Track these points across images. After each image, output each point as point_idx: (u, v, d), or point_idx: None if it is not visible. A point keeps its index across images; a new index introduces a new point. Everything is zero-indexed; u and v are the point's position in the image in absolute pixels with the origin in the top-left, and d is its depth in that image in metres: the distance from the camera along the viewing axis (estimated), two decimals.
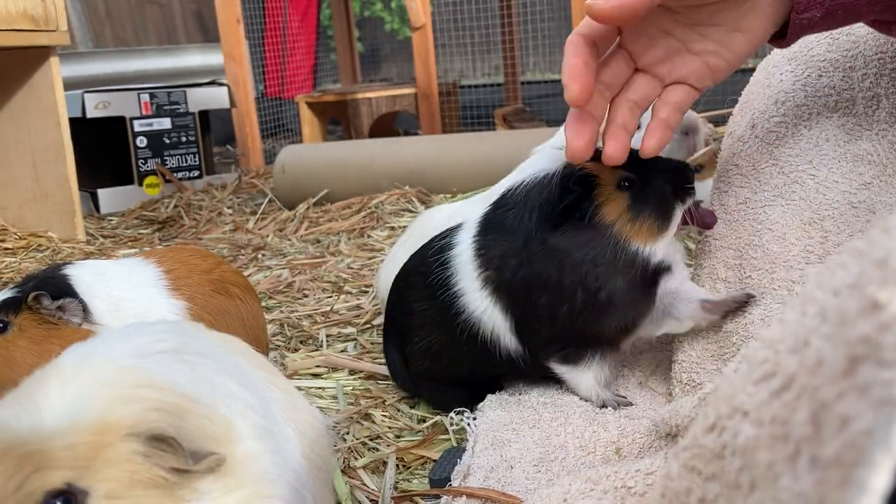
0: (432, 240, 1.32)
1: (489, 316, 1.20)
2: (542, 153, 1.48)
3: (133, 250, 2.67)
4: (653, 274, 1.15)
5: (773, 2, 0.93)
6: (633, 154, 1.14)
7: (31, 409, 0.59)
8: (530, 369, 1.24)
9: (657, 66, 1.01)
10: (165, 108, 3.63)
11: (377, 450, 1.19)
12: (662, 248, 1.15)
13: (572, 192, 1.12)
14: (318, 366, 1.53)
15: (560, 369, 1.23)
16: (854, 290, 0.37)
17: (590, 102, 0.98)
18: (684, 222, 1.18)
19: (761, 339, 0.45)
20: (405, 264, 1.36)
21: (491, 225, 1.21)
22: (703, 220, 1.19)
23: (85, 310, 1.18)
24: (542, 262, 1.14)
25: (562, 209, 1.13)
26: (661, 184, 1.16)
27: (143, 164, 3.58)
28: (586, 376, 1.21)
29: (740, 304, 1.13)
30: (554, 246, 1.13)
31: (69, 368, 0.64)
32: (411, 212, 2.78)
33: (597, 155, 1.13)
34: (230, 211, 3.17)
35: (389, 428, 1.27)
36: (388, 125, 5.04)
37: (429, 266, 1.26)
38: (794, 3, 0.92)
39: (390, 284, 1.41)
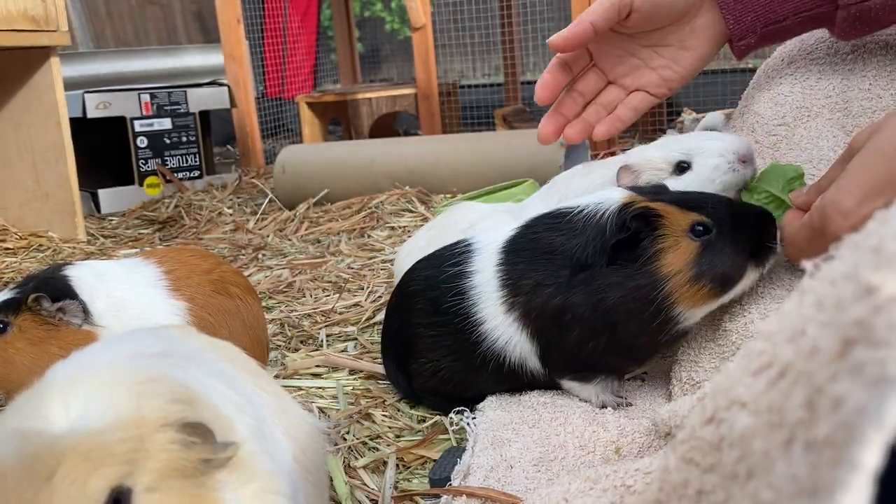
0: (442, 263, 1.26)
1: (515, 343, 1.17)
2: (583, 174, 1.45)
3: (133, 250, 2.67)
4: (676, 335, 1.11)
5: (709, 26, 1.18)
6: (709, 196, 1.07)
7: (57, 412, 0.59)
8: (545, 384, 1.25)
9: (622, 78, 1.26)
10: (166, 108, 3.63)
11: (377, 449, 1.20)
12: (704, 314, 1.09)
13: (628, 229, 1.05)
14: (318, 365, 1.53)
15: (570, 385, 1.22)
16: (849, 277, 0.38)
17: (562, 106, 1.26)
18: None
19: (759, 332, 0.46)
20: (408, 282, 1.32)
21: (523, 249, 1.16)
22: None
23: (85, 311, 1.18)
24: (581, 296, 1.09)
25: (612, 246, 1.05)
26: (741, 238, 1.04)
27: (144, 165, 3.58)
28: (594, 389, 1.21)
29: None
30: (597, 282, 1.07)
31: (72, 374, 0.64)
32: (411, 212, 2.78)
33: (664, 195, 1.08)
34: (230, 211, 3.18)
35: (389, 428, 1.27)
36: (388, 125, 5.05)
37: (442, 293, 1.22)
38: (731, 33, 1.16)
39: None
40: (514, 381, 1.23)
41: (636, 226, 1.04)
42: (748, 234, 1.05)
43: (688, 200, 1.07)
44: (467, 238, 1.29)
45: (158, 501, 0.57)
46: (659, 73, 1.23)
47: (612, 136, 1.29)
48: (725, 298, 1.07)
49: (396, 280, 1.64)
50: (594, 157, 3.51)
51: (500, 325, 1.17)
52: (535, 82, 1.26)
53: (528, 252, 1.15)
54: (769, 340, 0.44)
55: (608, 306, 1.07)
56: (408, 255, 1.63)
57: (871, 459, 0.30)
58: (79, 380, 0.62)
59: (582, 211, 1.12)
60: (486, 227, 1.46)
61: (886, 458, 0.30)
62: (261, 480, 0.65)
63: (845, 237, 0.42)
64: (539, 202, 1.52)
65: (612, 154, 3.68)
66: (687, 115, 3.62)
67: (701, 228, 1.04)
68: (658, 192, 1.12)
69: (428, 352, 1.25)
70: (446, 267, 1.25)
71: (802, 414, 0.37)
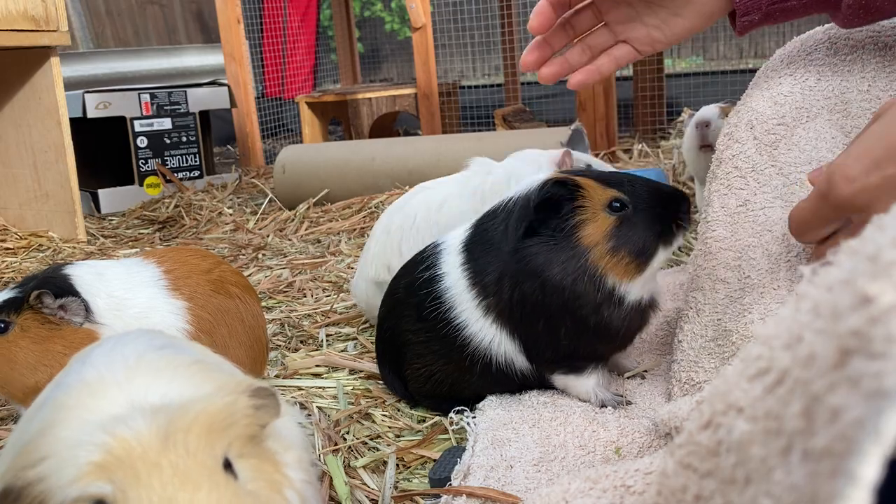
0: (416, 269, 1.28)
1: (499, 343, 1.18)
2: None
3: (134, 250, 2.67)
4: (636, 310, 1.14)
5: (708, 1, 1.17)
6: (629, 176, 1.13)
7: (146, 396, 0.60)
8: (539, 383, 1.25)
9: (616, 25, 1.24)
10: (166, 108, 3.63)
11: (377, 449, 1.20)
12: (640, 286, 1.13)
13: (548, 193, 1.10)
14: (318, 365, 1.53)
15: (562, 381, 1.23)
16: (846, 285, 0.38)
17: (552, 37, 1.23)
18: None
19: (757, 337, 0.46)
20: (394, 290, 1.33)
21: (475, 245, 1.19)
22: None
23: (87, 309, 1.19)
24: (528, 282, 1.13)
25: (538, 211, 1.10)
26: (653, 215, 1.12)
27: (144, 164, 3.58)
28: (587, 384, 1.21)
29: None
30: (533, 260, 1.11)
31: (117, 369, 0.64)
32: None
33: (587, 173, 1.14)
34: (231, 211, 3.18)
35: (389, 427, 1.27)
36: (389, 125, 5.05)
37: (420, 299, 1.24)
38: (736, 8, 1.15)
39: (365, 292, 1.45)
40: (505, 381, 1.23)
41: (556, 192, 1.10)
42: (661, 210, 1.12)
43: (608, 178, 1.14)
44: (436, 240, 1.31)
45: (249, 467, 0.59)
46: (649, 31, 1.22)
47: (586, 87, 1.32)
48: (649, 272, 1.13)
49: (360, 307, 1.70)
50: (594, 156, 3.51)
51: (481, 327, 1.19)
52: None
53: (481, 246, 1.19)
54: (766, 345, 0.44)
55: (553, 285, 1.11)
56: (362, 281, 1.70)
57: (869, 473, 0.30)
58: (131, 371, 0.63)
59: (513, 196, 1.18)
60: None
61: (885, 470, 0.30)
62: (296, 450, 0.68)
63: (843, 244, 0.41)
64: (457, 199, 1.64)
65: (613, 153, 3.69)
66: (687, 115, 3.62)
67: (618, 204, 1.10)
68: (582, 171, 1.20)
69: (419, 357, 1.26)
70: (419, 273, 1.26)
71: (800, 423, 0.37)
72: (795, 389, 0.39)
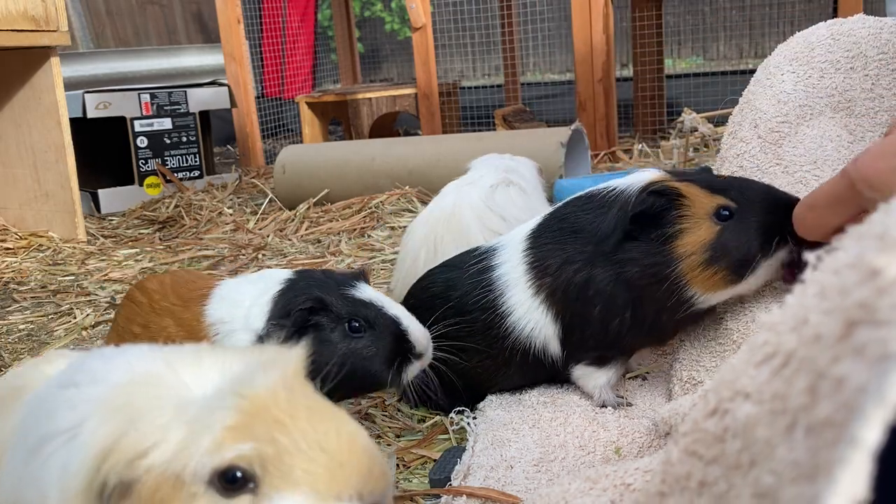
0: (464, 263, 1.27)
1: (540, 328, 1.18)
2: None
3: (134, 250, 2.67)
4: (699, 314, 1.12)
5: None
6: (739, 180, 1.07)
7: (203, 382, 0.61)
8: (561, 375, 1.25)
9: None
10: (166, 108, 3.63)
11: None
12: (722, 300, 1.09)
13: (649, 204, 1.06)
14: None
15: (581, 371, 1.22)
16: (853, 266, 0.38)
17: None
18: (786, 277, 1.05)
19: (763, 325, 0.46)
20: (426, 286, 1.32)
21: (550, 231, 1.17)
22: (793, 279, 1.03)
23: None
24: (602, 270, 1.10)
25: (632, 219, 1.07)
26: (759, 225, 1.02)
27: (144, 165, 3.58)
28: (601, 379, 1.21)
29: None
30: (618, 256, 1.09)
31: (154, 365, 0.64)
32: (411, 212, 2.78)
33: (692, 177, 1.07)
34: (231, 211, 3.17)
35: (389, 427, 1.27)
36: (389, 125, 5.05)
37: (466, 290, 1.23)
38: None
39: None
40: (537, 370, 1.23)
41: (658, 202, 1.05)
42: (771, 222, 1.02)
43: (715, 183, 1.07)
44: (485, 243, 1.30)
45: None
46: None
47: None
48: (741, 287, 1.05)
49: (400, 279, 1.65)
50: (594, 157, 3.51)
51: (526, 311, 1.18)
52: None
53: (556, 233, 1.16)
54: (773, 331, 0.44)
55: (627, 281, 1.08)
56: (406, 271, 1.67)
57: (871, 435, 0.30)
58: (174, 365, 0.62)
59: (611, 190, 1.13)
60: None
61: (887, 438, 0.30)
62: None
63: (850, 229, 0.42)
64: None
65: (613, 153, 3.69)
66: (687, 115, 3.63)
67: (726, 213, 1.03)
68: (688, 174, 1.12)
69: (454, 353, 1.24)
70: (470, 266, 1.26)
71: (805, 399, 0.37)
72: (801, 369, 0.39)
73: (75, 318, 1.97)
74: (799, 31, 1.24)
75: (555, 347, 1.20)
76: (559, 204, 1.23)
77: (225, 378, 0.61)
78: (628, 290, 1.09)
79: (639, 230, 1.07)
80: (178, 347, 0.67)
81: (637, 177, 1.13)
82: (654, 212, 1.05)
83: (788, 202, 1.00)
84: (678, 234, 1.05)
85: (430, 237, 1.64)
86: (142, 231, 3.07)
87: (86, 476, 0.56)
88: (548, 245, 1.16)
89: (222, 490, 0.56)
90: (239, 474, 0.56)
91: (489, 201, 1.67)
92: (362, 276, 1.13)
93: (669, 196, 1.05)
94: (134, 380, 0.61)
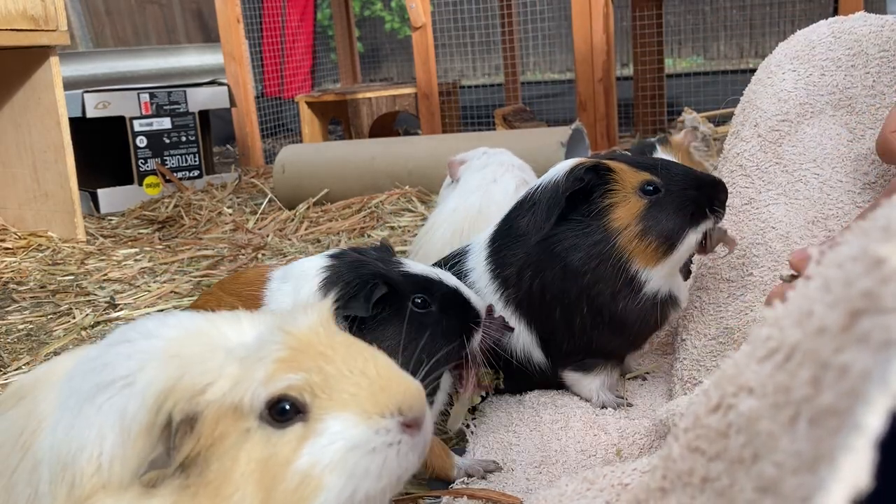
0: (445, 266, 1.27)
1: (517, 336, 1.18)
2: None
3: (133, 250, 2.67)
4: (653, 302, 1.12)
5: None
6: (664, 160, 1.11)
7: (249, 334, 0.66)
8: (554, 381, 1.24)
9: None
10: (165, 107, 3.63)
11: None
12: (662, 274, 1.11)
13: (581, 180, 1.08)
14: None
15: (571, 377, 1.22)
16: (857, 258, 0.38)
17: None
18: (700, 250, 1.11)
19: (765, 319, 0.46)
20: None
21: (500, 238, 1.19)
22: (714, 246, 1.11)
23: None
24: (549, 269, 1.12)
25: (567, 198, 1.09)
26: (685, 198, 1.08)
27: (143, 164, 3.58)
28: (593, 384, 1.21)
29: None
30: (558, 246, 1.10)
31: (191, 326, 0.68)
32: (411, 211, 2.78)
33: (618, 156, 1.11)
34: (230, 211, 3.17)
35: None
36: (388, 125, 5.04)
37: None
38: None
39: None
40: (523, 378, 1.23)
41: (588, 177, 1.08)
42: (695, 194, 1.09)
43: (640, 162, 1.13)
44: (460, 246, 1.31)
45: None
46: None
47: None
48: (675, 257, 1.09)
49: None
50: (594, 156, 3.51)
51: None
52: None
53: (505, 240, 1.18)
54: (776, 325, 0.44)
55: (575, 269, 1.10)
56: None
57: (874, 421, 0.30)
58: (217, 323, 0.68)
59: (537, 187, 1.16)
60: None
61: (889, 425, 0.30)
62: None
63: (852, 224, 0.42)
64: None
65: (613, 152, 3.69)
66: (687, 115, 3.62)
67: (651, 187, 1.08)
68: (613, 155, 1.18)
69: None
70: (450, 269, 1.25)
71: (808, 390, 0.37)
72: (805, 361, 0.39)
73: (74, 318, 1.97)
74: (801, 26, 1.24)
75: (538, 355, 1.20)
76: (509, 208, 1.24)
77: (254, 327, 0.67)
78: (578, 278, 1.10)
79: (573, 210, 1.10)
80: (221, 312, 0.72)
81: (559, 166, 1.16)
82: (587, 188, 1.09)
83: (708, 180, 1.10)
84: (610, 208, 1.08)
85: (455, 236, 1.63)
86: (141, 231, 3.06)
87: (147, 415, 0.60)
88: (501, 252, 1.18)
89: (274, 423, 0.61)
90: (288, 406, 0.62)
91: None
92: (388, 249, 1.10)
93: (599, 171, 1.09)
94: (185, 334, 0.67)
